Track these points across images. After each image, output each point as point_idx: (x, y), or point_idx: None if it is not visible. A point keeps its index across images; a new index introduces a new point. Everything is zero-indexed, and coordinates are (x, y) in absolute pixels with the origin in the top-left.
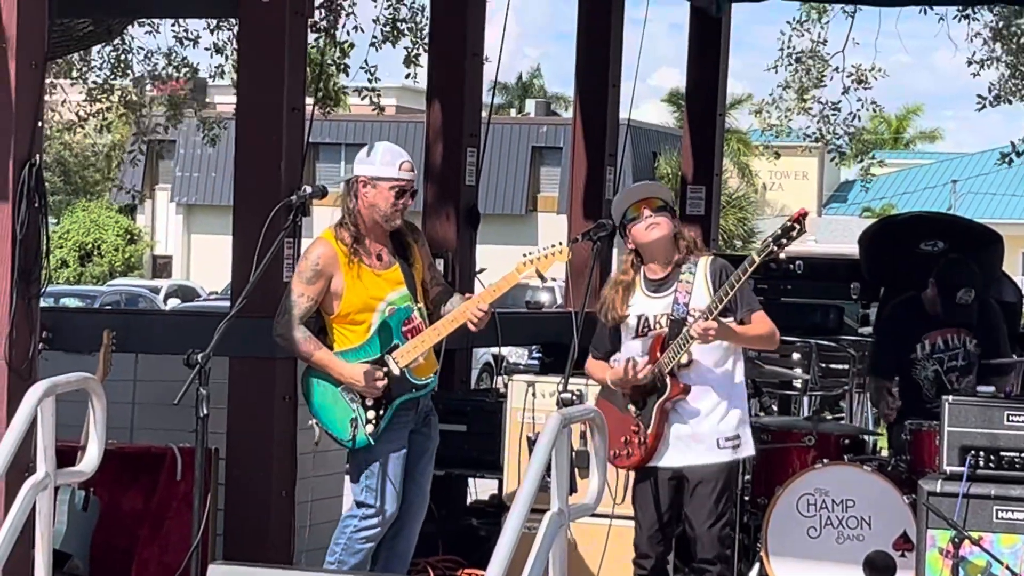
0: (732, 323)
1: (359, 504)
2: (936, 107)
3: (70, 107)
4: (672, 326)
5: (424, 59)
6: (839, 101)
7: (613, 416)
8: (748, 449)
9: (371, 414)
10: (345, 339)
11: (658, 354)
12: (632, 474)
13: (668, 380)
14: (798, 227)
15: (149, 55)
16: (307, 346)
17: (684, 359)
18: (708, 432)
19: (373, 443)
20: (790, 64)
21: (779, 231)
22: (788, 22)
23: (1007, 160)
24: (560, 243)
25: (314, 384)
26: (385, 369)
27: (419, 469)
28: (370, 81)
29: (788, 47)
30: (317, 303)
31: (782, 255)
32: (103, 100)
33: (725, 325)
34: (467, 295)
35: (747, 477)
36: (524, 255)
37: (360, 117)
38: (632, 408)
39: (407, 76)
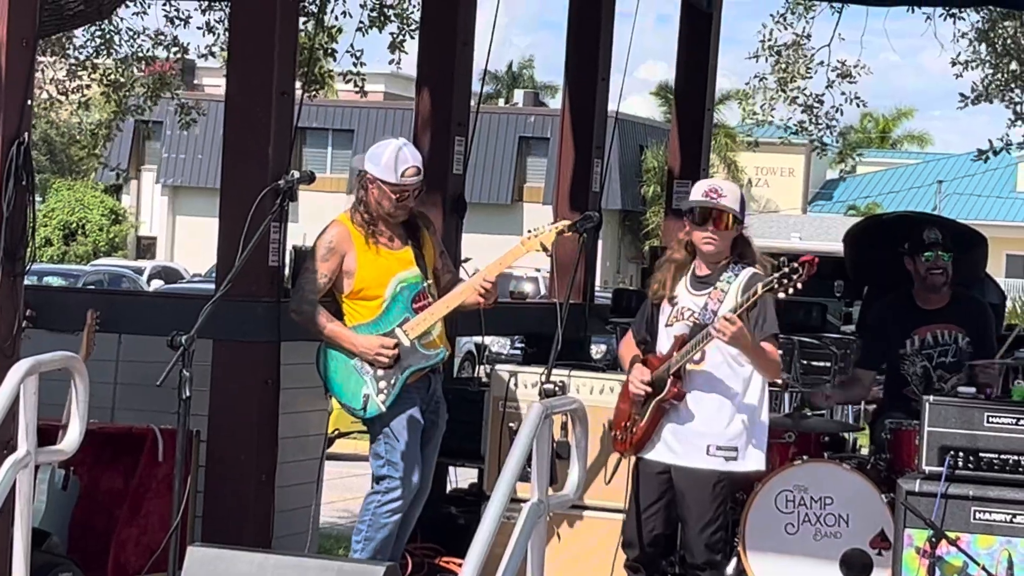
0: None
1: (379, 479)
2: (923, 107)
3: (56, 84)
4: (694, 329)
5: (409, 46)
6: (822, 94)
7: (628, 398)
8: (748, 464)
9: (382, 384)
10: (358, 315)
11: (675, 353)
12: (625, 461)
13: (670, 380)
14: (801, 272)
15: (135, 36)
16: (320, 319)
17: (697, 356)
18: (700, 437)
19: (384, 411)
20: (771, 56)
21: (787, 270)
22: (771, 15)
23: (984, 157)
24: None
25: (327, 358)
26: (396, 340)
27: (425, 455)
28: (355, 65)
29: (769, 39)
30: (331, 280)
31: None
32: (83, 77)
33: (745, 331)
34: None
35: None
36: (529, 230)
37: (347, 103)
38: (639, 399)
39: (391, 62)
